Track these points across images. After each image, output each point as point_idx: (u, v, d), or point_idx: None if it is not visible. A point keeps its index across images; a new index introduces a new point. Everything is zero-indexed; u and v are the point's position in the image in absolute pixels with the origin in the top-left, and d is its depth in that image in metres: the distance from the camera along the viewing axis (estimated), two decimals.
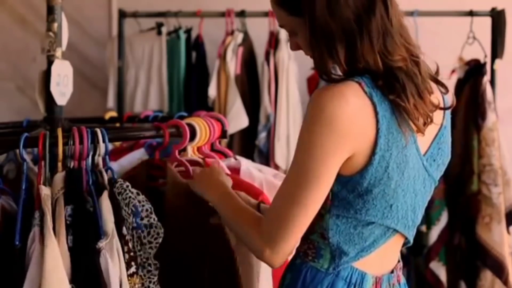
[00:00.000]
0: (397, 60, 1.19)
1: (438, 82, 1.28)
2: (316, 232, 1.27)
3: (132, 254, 1.33)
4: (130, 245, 1.33)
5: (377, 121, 1.17)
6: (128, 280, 1.30)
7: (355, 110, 1.16)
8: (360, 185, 1.20)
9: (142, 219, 1.35)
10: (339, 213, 1.23)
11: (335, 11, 1.17)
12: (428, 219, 2.98)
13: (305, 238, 1.29)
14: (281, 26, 1.31)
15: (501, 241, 2.86)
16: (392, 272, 1.31)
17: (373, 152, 1.17)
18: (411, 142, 1.20)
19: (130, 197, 1.35)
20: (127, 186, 1.37)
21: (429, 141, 1.27)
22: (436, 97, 1.25)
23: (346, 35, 1.18)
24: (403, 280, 1.35)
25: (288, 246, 1.20)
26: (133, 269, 1.32)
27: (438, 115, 1.26)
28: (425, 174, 1.27)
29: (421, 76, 1.21)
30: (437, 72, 1.30)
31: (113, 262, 1.27)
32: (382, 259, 1.28)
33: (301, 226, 1.19)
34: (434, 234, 2.99)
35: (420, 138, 1.23)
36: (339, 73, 1.24)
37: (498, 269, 2.85)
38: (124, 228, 1.33)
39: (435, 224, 3.00)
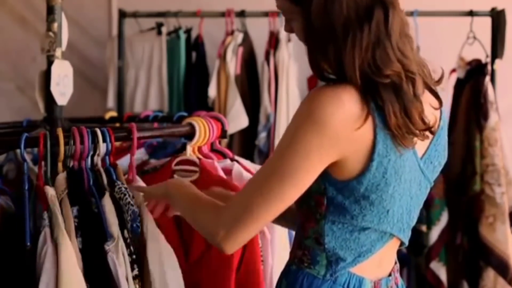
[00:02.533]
0: (385, 76, 1.12)
1: (434, 94, 1.24)
2: (311, 237, 1.25)
3: (134, 257, 1.33)
4: (132, 248, 1.33)
5: (375, 126, 1.13)
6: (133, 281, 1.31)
7: (350, 115, 1.11)
8: (357, 190, 1.17)
9: (138, 226, 1.35)
10: (335, 219, 1.21)
11: (330, 10, 1.13)
12: (429, 219, 2.97)
13: (299, 244, 1.28)
14: (278, 8, 1.26)
15: (505, 240, 2.85)
16: (389, 275, 1.29)
17: (370, 158, 1.14)
18: (408, 149, 1.18)
19: (129, 202, 1.35)
20: (126, 189, 1.38)
21: (427, 143, 1.24)
22: (432, 112, 1.21)
23: (334, 38, 1.13)
24: (400, 281, 1.34)
25: (243, 236, 1.17)
26: (135, 272, 1.32)
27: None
28: (422, 176, 1.24)
29: (414, 95, 1.15)
30: (440, 79, 1.26)
31: (120, 264, 1.28)
32: (380, 263, 1.27)
33: (261, 222, 1.17)
34: (434, 234, 2.98)
35: (419, 141, 1.19)
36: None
37: (503, 269, 2.84)
38: (125, 231, 1.33)
39: (436, 224, 2.99)
